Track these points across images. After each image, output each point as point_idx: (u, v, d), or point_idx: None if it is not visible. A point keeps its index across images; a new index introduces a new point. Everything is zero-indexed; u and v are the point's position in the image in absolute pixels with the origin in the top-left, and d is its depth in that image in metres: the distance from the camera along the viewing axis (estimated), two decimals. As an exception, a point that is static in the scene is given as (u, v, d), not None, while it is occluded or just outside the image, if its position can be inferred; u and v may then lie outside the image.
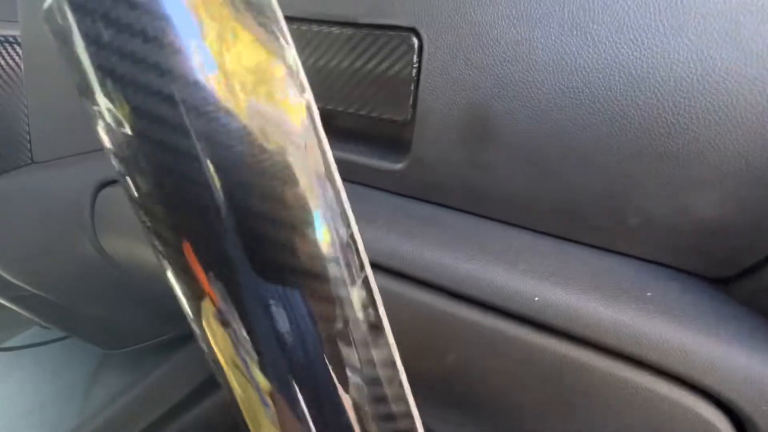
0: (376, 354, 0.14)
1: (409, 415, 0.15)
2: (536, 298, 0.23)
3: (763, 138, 0.17)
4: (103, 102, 0.13)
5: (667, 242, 0.22)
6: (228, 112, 0.11)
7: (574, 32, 0.18)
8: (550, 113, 0.20)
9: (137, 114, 0.12)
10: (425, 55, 0.22)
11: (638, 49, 0.18)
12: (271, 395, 0.13)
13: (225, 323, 0.13)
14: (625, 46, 0.18)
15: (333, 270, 0.13)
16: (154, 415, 0.68)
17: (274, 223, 0.12)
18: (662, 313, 0.21)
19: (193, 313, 0.14)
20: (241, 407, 0.14)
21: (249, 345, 0.13)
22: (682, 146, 0.18)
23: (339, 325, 0.13)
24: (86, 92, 0.13)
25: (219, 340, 0.14)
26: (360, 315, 0.13)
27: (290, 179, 0.12)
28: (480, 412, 0.26)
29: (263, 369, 0.13)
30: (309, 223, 0.12)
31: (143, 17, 0.10)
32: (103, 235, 0.42)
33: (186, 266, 0.13)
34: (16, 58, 0.37)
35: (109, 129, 0.13)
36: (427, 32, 0.21)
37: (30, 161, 0.39)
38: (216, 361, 0.14)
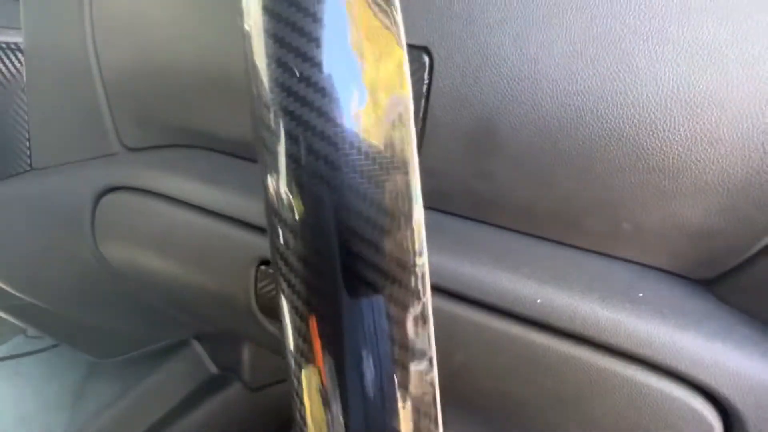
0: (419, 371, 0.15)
1: None
2: (539, 300, 0.25)
3: (742, 154, 0.19)
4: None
5: (656, 246, 0.24)
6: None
7: (577, 55, 0.20)
8: (551, 128, 0.22)
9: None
10: (435, 73, 0.24)
11: (632, 73, 0.20)
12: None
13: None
14: (622, 70, 0.20)
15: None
16: (145, 425, 0.66)
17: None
18: (653, 311, 0.23)
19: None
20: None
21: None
22: (670, 160, 0.20)
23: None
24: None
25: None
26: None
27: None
28: (485, 409, 0.27)
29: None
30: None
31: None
32: (102, 242, 0.41)
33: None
34: (17, 65, 0.37)
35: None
36: (438, 51, 0.23)
37: (29, 168, 0.39)
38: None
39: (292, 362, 0.15)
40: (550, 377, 0.24)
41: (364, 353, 0.14)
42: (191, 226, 0.36)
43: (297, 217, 0.13)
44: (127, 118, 0.39)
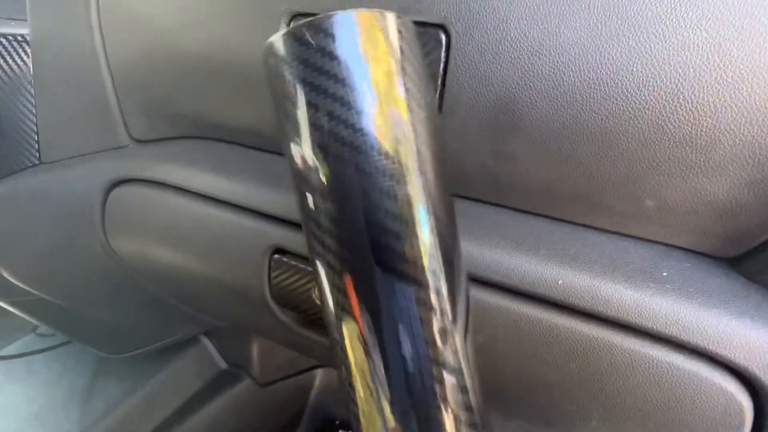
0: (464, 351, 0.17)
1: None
2: (560, 281, 0.24)
3: (775, 123, 0.18)
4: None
5: (680, 224, 0.24)
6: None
7: (599, 26, 0.20)
8: (573, 104, 0.22)
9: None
10: (453, 51, 0.23)
11: (660, 42, 0.19)
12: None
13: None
14: (647, 39, 0.19)
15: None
16: (155, 421, 0.66)
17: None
18: (678, 290, 0.23)
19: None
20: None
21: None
22: (699, 132, 0.20)
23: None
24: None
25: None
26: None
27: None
28: (508, 392, 0.27)
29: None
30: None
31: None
32: (113, 236, 0.41)
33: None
34: (24, 57, 0.37)
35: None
36: (456, 29, 0.23)
37: (38, 162, 0.39)
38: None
39: (333, 316, 0.16)
40: (573, 359, 0.24)
41: (401, 302, 0.14)
42: (203, 217, 0.36)
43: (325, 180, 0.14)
44: (136, 110, 0.39)
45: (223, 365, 0.78)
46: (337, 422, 0.84)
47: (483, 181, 0.27)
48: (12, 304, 0.47)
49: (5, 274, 0.41)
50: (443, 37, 0.23)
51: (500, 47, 0.22)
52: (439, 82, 0.24)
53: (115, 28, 0.36)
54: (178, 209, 0.37)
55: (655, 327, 0.22)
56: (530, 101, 0.22)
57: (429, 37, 0.23)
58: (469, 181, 0.27)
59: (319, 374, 0.88)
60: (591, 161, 0.23)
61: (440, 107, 0.25)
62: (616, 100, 0.21)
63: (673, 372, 0.22)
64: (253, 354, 0.79)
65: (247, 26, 0.29)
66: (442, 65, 0.24)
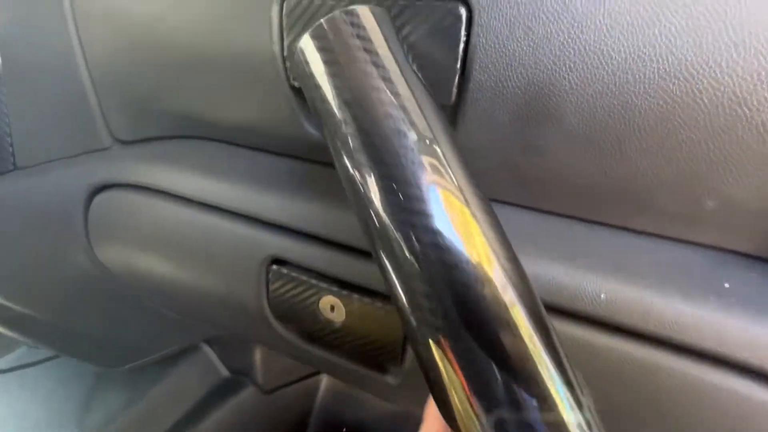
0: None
1: None
2: (603, 296, 0.21)
3: None
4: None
5: (745, 227, 0.20)
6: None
7: (661, -9, 0.16)
8: (624, 86, 0.18)
9: None
10: (475, 28, 0.19)
11: (735, 9, 0.15)
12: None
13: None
14: (718, 8, 0.16)
15: None
16: (155, 434, 0.64)
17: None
18: (745, 304, 0.19)
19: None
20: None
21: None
22: (784, 117, 0.16)
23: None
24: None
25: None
26: None
27: None
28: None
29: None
30: None
31: None
32: (98, 245, 0.38)
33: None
34: (-7, 55, 0.34)
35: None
36: (479, 0, 0.19)
37: (13, 167, 0.35)
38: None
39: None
40: (622, 387, 0.21)
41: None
42: (194, 224, 0.33)
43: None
44: (118, 108, 0.36)
45: (225, 373, 0.75)
46: (345, 428, 0.81)
47: (509, 179, 0.23)
48: (-4, 320, 0.44)
49: (-17, 290, 0.38)
50: (463, 11, 0.19)
51: (534, 20, 0.18)
52: (458, 65, 0.21)
53: (91, 18, 0.32)
54: (166, 215, 0.34)
55: (721, 350, 0.19)
56: (570, 85, 0.19)
57: (445, 12, 0.20)
58: (491, 180, 0.24)
59: (325, 378, 0.85)
60: (642, 155, 0.19)
61: (459, 95, 0.21)
62: (680, 80, 0.17)
63: (741, 402, 0.19)
64: (256, 360, 0.76)
65: (235, 8, 0.26)
66: (462, 45, 0.20)
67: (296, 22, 0.23)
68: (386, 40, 0.17)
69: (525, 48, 0.19)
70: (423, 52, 0.21)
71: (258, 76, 0.27)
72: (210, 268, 0.33)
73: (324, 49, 0.17)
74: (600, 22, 0.17)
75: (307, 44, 0.17)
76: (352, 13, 0.17)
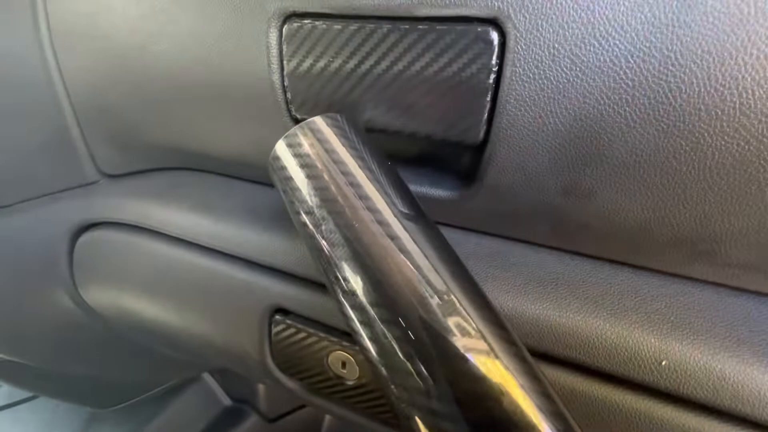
0: None
1: None
2: (663, 362, 0.18)
3: None
4: None
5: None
6: None
7: (730, 16, 0.13)
8: (695, 124, 0.15)
9: None
10: (510, 55, 0.17)
11: None
12: None
13: None
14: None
15: None
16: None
17: None
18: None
19: None
20: None
21: None
22: None
23: None
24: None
25: None
26: None
27: None
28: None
29: None
30: None
31: None
32: (83, 286, 0.35)
33: None
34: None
35: None
36: (515, 23, 0.16)
37: (-9, 206, 0.32)
38: None
39: None
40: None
41: None
42: (188, 266, 0.30)
43: None
44: (103, 140, 0.33)
45: (228, 401, 0.72)
46: (353, 455, 0.78)
47: (546, 222, 0.20)
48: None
49: (-38, 338, 0.35)
50: (495, 36, 0.17)
51: (584, 46, 0.15)
52: (488, 98, 0.18)
53: (70, 44, 0.29)
54: (157, 256, 0.31)
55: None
56: (626, 121, 0.16)
57: (474, 37, 0.17)
58: (525, 222, 0.21)
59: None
60: (711, 201, 0.16)
61: (488, 132, 0.18)
62: (760, 118, 0.14)
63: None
64: (259, 387, 0.73)
65: (228, 32, 0.23)
66: (493, 76, 0.17)
67: (298, 49, 0.21)
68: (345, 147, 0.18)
69: (571, 78, 0.16)
70: (447, 84, 0.18)
71: (255, 107, 0.24)
72: (206, 315, 0.30)
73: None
74: (669, 49, 0.14)
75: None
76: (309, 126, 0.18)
